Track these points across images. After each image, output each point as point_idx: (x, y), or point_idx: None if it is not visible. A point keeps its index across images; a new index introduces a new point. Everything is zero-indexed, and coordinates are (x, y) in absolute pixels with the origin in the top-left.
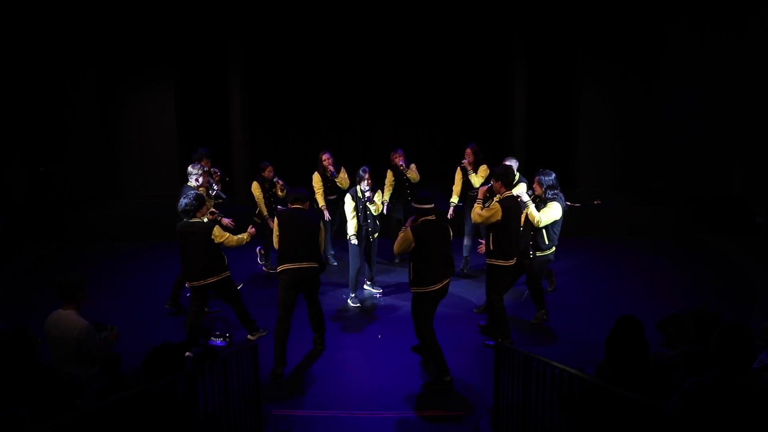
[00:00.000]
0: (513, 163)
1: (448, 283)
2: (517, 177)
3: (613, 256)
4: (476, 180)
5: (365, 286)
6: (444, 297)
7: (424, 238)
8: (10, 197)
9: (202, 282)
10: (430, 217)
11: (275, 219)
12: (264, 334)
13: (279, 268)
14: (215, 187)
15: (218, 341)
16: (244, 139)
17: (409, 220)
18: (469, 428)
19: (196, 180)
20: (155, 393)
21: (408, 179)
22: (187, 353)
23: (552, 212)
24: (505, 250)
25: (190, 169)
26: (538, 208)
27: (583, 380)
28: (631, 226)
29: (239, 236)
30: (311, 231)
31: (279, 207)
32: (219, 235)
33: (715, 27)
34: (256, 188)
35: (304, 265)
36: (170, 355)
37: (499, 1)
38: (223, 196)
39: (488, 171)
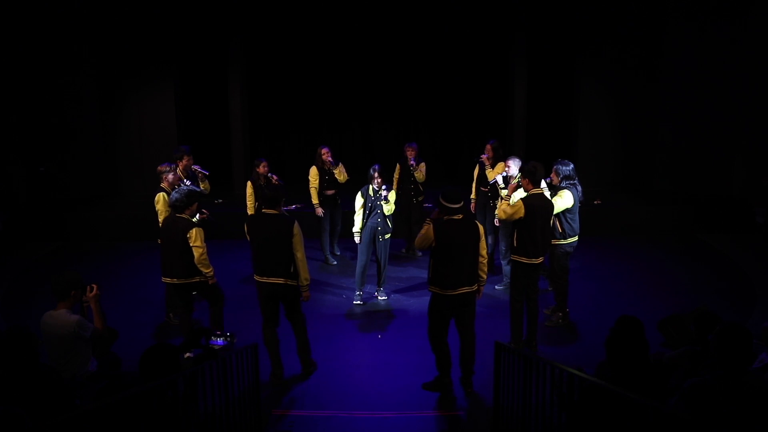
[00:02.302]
0: (515, 163)
1: (468, 293)
2: (518, 178)
3: (613, 256)
4: (491, 176)
5: (376, 293)
6: (463, 306)
7: (446, 238)
8: (10, 197)
9: (183, 281)
10: (456, 217)
11: (245, 225)
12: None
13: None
14: (188, 184)
15: (219, 340)
16: (244, 139)
17: (435, 212)
18: (469, 428)
19: (166, 179)
20: (155, 393)
21: (415, 177)
22: (187, 354)
23: (562, 200)
24: (528, 247)
25: (159, 168)
26: (550, 197)
27: (583, 380)
28: (631, 226)
29: (209, 267)
30: (280, 241)
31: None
32: (194, 238)
33: (716, 27)
34: (248, 187)
35: (271, 280)
36: (165, 355)
37: (499, 2)
38: (199, 189)
39: (504, 168)
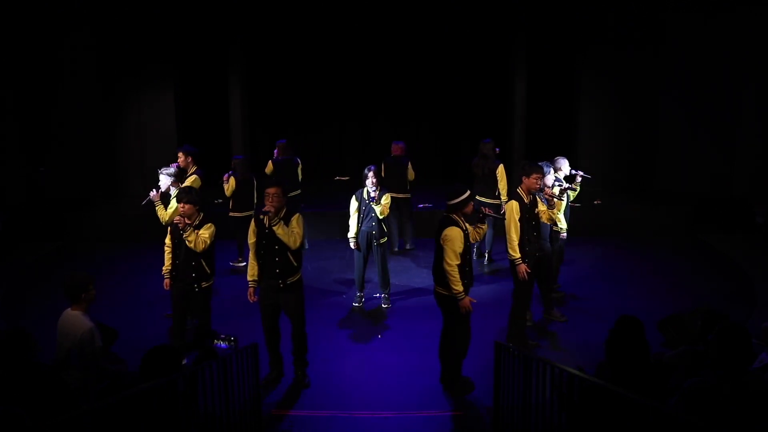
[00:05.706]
0: (564, 163)
1: (437, 292)
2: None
3: (612, 256)
4: None
5: (380, 296)
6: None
7: (437, 230)
8: (10, 197)
9: None
10: (445, 213)
11: None
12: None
13: None
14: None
15: (223, 344)
16: (244, 139)
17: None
18: (470, 428)
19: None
20: (155, 393)
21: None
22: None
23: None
24: None
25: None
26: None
27: (583, 380)
28: (631, 226)
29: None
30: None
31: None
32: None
33: (716, 26)
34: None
35: None
36: (166, 356)
37: (499, 1)
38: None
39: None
